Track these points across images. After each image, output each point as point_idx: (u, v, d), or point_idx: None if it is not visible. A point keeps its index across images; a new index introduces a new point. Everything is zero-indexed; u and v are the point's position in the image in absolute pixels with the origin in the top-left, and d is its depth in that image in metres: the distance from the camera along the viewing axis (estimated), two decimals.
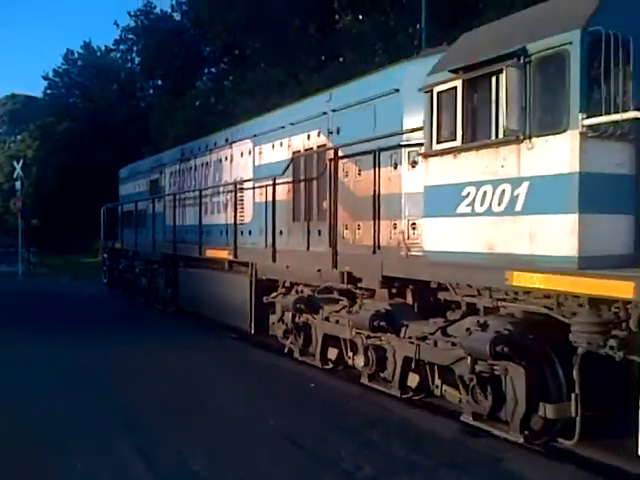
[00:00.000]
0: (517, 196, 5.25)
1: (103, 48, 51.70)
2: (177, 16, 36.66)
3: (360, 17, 25.78)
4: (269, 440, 5.61)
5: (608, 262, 4.79)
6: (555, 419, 5.15)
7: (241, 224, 10.62)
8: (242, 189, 10.74)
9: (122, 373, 8.20)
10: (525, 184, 5.20)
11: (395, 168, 6.95)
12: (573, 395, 4.87)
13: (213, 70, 36.76)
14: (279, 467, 5.00)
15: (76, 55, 53.92)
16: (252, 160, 10.61)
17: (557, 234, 4.93)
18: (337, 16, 26.37)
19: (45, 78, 54.14)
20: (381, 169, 7.13)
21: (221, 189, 11.83)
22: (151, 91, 45.05)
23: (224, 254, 10.90)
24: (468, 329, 5.57)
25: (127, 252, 17.59)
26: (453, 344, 5.81)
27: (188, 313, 12.85)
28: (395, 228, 6.90)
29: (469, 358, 5.50)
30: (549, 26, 5.14)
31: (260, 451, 5.33)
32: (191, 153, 13.92)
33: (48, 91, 55.57)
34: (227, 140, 11.86)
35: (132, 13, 37.33)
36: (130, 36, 39.06)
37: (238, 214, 10.56)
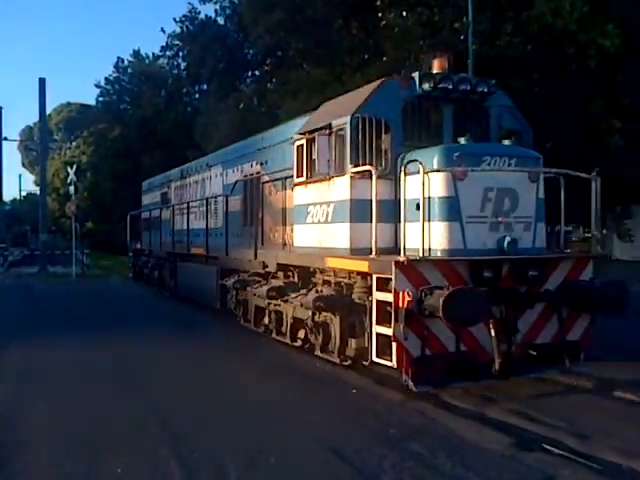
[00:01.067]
0: (328, 212, 8.66)
1: (151, 55, 52.74)
2: (221, 20, 37.00)
3: (404, 13, 25.41)
4: (308, 449, 5.47)
5: (367, 252, 7.64)
6: (357, 349, 7.98)
7: (215, 228, 14.19)
8: (215, 202, 14.36)
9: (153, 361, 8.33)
10: (332, 205, 8.56)
11: (290, 190, 10.07)
12: (366, 334, 7.73)
13: (256, 72, 36.95)
14: (317, 477, 4.88)
15: (126, 63, 55.17)
16: (222, 180, 14.15)
17: (342, 235, 8.27)
18: (380, 14, 26.05)
19: (97, 86, 55.47)
20: (285, 191, 10.34)
21: (200, 202, 15.35)
22: (197, 95, 45.66)
23: (201, 251, 14.60)
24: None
25: (145, 251, 21.54)
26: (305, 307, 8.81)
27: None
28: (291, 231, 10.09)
29: (309, 312, 8.72)
30: (340, 112, 8.59)
31: (298, 460, 5.21)
32: (187, 172, 17.46)
33: (100, 99, 56.92)
34: (207, 164, 15.56)
35: (177, 19, 37.90)
36: (176, 42, 39.57)
37: (212, 221, 14.44)
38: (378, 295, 7.38)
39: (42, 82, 31.13)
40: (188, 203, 16.17)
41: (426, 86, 8.40)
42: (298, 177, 9.36)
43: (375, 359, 7.48)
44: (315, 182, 8.96)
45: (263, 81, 34.91)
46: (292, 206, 9.85)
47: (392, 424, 6.15)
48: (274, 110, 29.33)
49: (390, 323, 7.05)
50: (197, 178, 16.35)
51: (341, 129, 8.38)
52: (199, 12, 37.88)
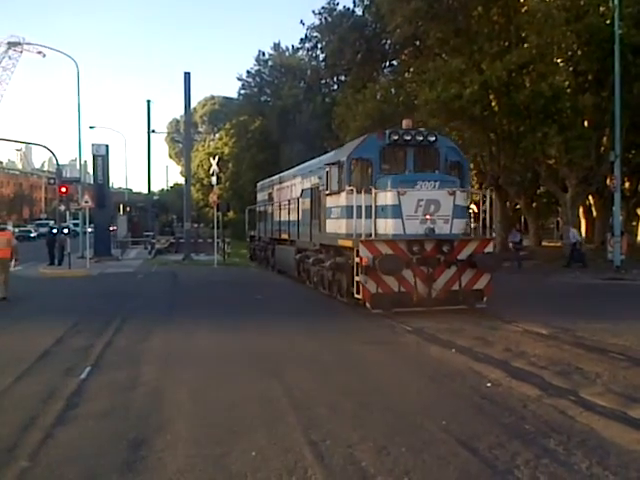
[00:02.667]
0: (338, 212, 14.37)
1: (291, 47, 54.14)
2: (359, 11, 37.20)
3: None
4: (439, 440, 5.46)
5: (355, 236, 12.98)
6: (357, 299, 13.16)
7: (295, 220, 19.19)
8: (295, 202, 19.18)
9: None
10: (339, 208, 14.34)
11: (335, 194, 14.87)
12: (355, 288, 13.06)
13: (393, 63, 36.79)
14: (448, 470, 4.85)
15: (267, 56, 56.99)
16: (300, 187, 19.04)
17: (343, 226, 14.00)
18: None
19: (239, 79, 57.87)
20: (331, 197, 15.18)
21: (288, 201, 20.47)
22: (335, 86, 46.26)
23: (286, 236, 20.54)
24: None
25: (257, 237, 27.85)
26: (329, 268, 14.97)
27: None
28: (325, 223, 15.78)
29: (330, 272, 14.94)
30: (343, 154, 14.61)
31: (429, 451, 5.21)
32: (283, 179, 22.53)
33: (242, 91, 59.27)
34: (294, 174, 20.61)
35: (316, 11, 38.62)
36: (315, 34, 40.36)
37: (293, 215, 19.56)
38: (356, 259, 12.92)
39: (187, 76, 32.78)
40: (280, 202, 21.97)
41: (394, 138, 14.04)
42: (326, 190, 15.39)
43: (355, 295, 13.15)
44: (332, 194, 14.96)
45: (400, 71, 34.76)
46: (328, 206, 15.43)
47: (527, 420, 5.99)
48: (411, 100, 29.12)
49: (362, 274, 12.71)
50: (288, 184, 21.32)
51: (343, 164, 14.27)
52: (337, 3, 38.34)
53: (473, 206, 21.73)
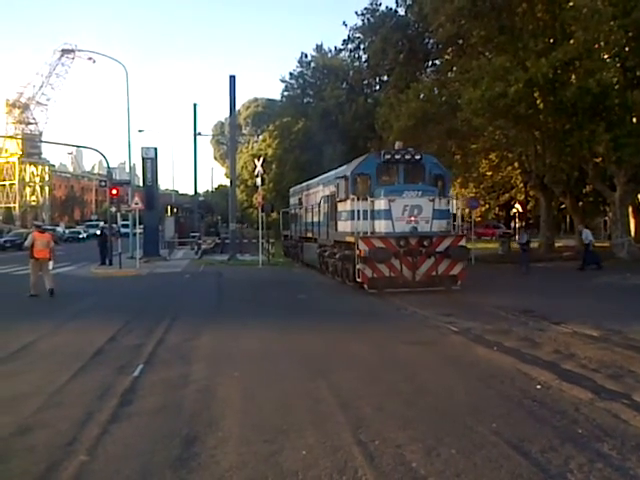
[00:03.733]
0: (346, 215, 18.11)
1: (333, 49, 54.23)
2: (401, 11, 37.03)
3: None
4: (489, 443, 5.42)
5: (358, 234, 16.73)
6: (355, 283, 17.25)
7: (318, 222, 22.77)
8: (318, 206, 22.67)
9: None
10: (347, 212, 18.06)
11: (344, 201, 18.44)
12: (356, 274, 16.92)
13: (436, 62, 36.51)
14: (500, 473, 4.82)
15: (309, 58, 57.22)
16: (322, 193, 22.30)
17: (349, 226, 17.67)
18: None
19: (282, 81, 58.26)
20: (341, 203, 18.86)
21: (312, 206, 24.21)
22: (377, 87, 46.16)
23: (310, 235, 24.35)
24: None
25: (289, 237, 31.23)
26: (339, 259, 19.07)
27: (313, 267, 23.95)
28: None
29: (340, 262, 18.96)
30: (348, 170, 18.60)
31: (480, 453, 5.18)
32: (310, 186, 25.78)
33: (285, 93, 59.66)
34: (317, 183, 24.11)
35: (359, 12, 38.59)
36: (357, 35, 40.36)
37: (316, 217, 23.20)
38: (357, 252, 16.49)
39: (232, 79, 33.19)
40: (307, 206, 25.72)
41: (387, 157, 17.79)
42: (337, 198, 19.19)
43: (357, 280, 16.76)
44: (341, 201, 18.78)
45: (443, 71, 34.49)
46: (337, 212, 19.32)
47: (579, 423, 5.91)
48: (454, 99, 28.86)
49: (361, 263, 16.44)
50: (313, 191, 24.67)
51: (348, 177, 18.10)
52: (380, 4, 38.27)
53: (517, 206, 26.72)
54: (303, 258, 26.67)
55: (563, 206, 37.52)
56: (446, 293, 16.35)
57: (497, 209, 55.90)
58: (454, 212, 18.58)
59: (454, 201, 19.14)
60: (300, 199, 27.70)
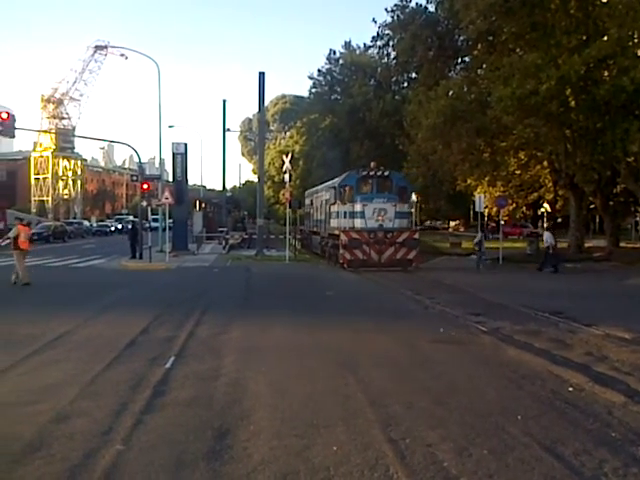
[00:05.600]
0: (336, 214, 25.40)
1: (362, 46, 54.08)
2: (431, 7, 36.78)
3: None
4: (521, 444, 5.39)
5: (343, 229, 24.41)
6: (347, 264, 23.58)
7: (320, 219, 29.59)
8: (320, 207, 29.34)
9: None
10: (335, 212, 25.57)
11: (334, 204, 25.98)
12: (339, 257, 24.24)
13: (466, 59, 36.18)
14: (533, 475, 4.79)
15: (338, 54, 57.13)
16: (324, 197, 28.51)
17: (336, 222, 25.18)
18: None
19: (310, 78, 58.31)
20: (332, 206, 26.34)
21: (317, 207, 31.05)
22: (405, 84, 45.93)
23: (315, 229, 31.78)
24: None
25: (304, 231, 37.93)
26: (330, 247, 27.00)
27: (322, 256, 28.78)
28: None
29: (331, 249, 26.49)
30: (336, 183, 26.41)
31: (512, 454, 5.16)
32: (318, 191, 31.77)
33: (313, 90, 59.69)
34: (322, 189, 30.07)
35: (389, 9, 38.44)
36: (387, 32, 40.19)
37: (319, 216, 30.47)
38: (339, 241, 23.48)
39: (262, 76, 33.21)
40: (314, 207, 32.55)
41: (364, 173, 24.78)
42: (330, 202, 26.18)
43: (339, 261, 23.62)
44: (332, 204, 25.65)
45: (473, 68, 34.14)
46: (334, 211, 25.47)
47: (612, 426, 5.85)
48: (484, 97, 28.59)
49: (342, 249, 23.28)
50: (319, 195, 31.24)
51: (336, 187, 25.34)
52: (410, 0, 38.00)
53: (546, 205, 29.20)
54: (312, 247, 33.59)
55: (593, 206, 36.91)
56: (474, 294, 16.60)
57: (525, 208, 55.30)
58: (411, 212, 26.85)
59: (412, 207, 27.16)
60: (312, 200, 34.30)
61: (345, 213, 24.03)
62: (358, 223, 23.51)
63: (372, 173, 24.58)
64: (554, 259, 23.93)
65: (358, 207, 23.61)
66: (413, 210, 27.02)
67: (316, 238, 31.23)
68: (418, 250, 24.00)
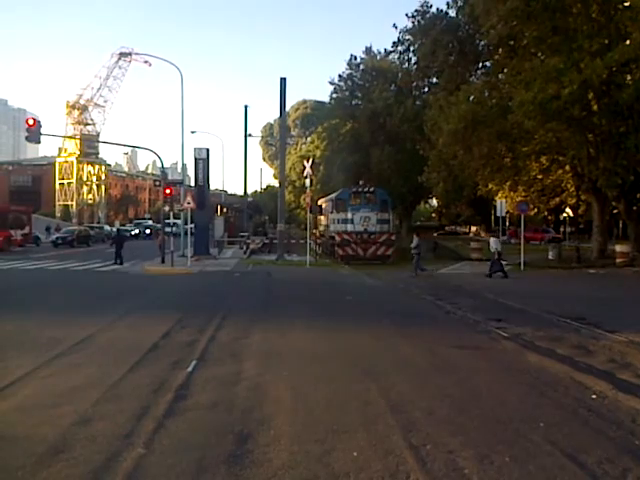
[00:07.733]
0: (334, 221, 33.89)
1: (382, 51, 54.07)
2: (452, 13, 36.71)
3: None
4: (544, 452, 5.34)
5: (339, 232, 32.90)
6: (341, 258, 31.08)
7: (327, 224, 36.70)
8: (329, 216, 36.10)
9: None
10: (334, 219, 34.01)
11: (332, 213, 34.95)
12: (335, 254, 32.59)
13: (486, 64, 36.02)
14: None
15: (358, 60, 57.18)
16: (329, 207, 36.25)
17: (335, 227, 33.48)
18: None
19: (331, 83, 58.36)
20: (332, 214, 35.09)
21: (325, 215, 38.55)
22: (426, 89, 45.80)
23: (324, 232, 38.52)
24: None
25: (316, 234, 39.26)
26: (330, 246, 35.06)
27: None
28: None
29: (331, 247, 33.97)
30: (333, 196, 35.98)
31: (534, 462, 5.11)
32: (326, 201, 38.22)
33: (334, 95, 59.72)
34: (328, 199, 38.02)
35: (409, 15, 38.43)
36: (407, 37, 40.19)
37: (326, 221, 38.13)
38: (335, 241, 31.99)
39: (283, 82, 33.42)
40: (323, 214, 38.92)
41: (354, 190, 33.87)
42: (330, 211, 34.96)
43: (335, 256, 31.65)
44: (332, 212, 34.34)
45: (494, 72, 33.97)
46: (332, 219, 34.22)
47: (636, 435, 5.78)
48: (505, 102, 28.43)
49: (337, 247, 31.42)
50: (326, 204, 37.81)
51: (333, 200, 34.77)
52: (431, 6, 38.02)
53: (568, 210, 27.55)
54: (322, 247, 37.97)
55: (616, 211, 36.43)
56: (495, 300, 16.61)
57: (546, 213, 54.74)
58: (390, 219, 33.42)
59: (391, 215, 34.52)
60: (322, 208, 40.80)
61: (340, 220, 32.16)
62: (349, 227, 31.19)
63: (360, 189, 33.44)
64: (497, 265, 23.65)
65: (349, 215, 31.40)
66: (392, 217, 34.72)
67: (323, 240, 37.86)
68: (394, 248, 31.57)
